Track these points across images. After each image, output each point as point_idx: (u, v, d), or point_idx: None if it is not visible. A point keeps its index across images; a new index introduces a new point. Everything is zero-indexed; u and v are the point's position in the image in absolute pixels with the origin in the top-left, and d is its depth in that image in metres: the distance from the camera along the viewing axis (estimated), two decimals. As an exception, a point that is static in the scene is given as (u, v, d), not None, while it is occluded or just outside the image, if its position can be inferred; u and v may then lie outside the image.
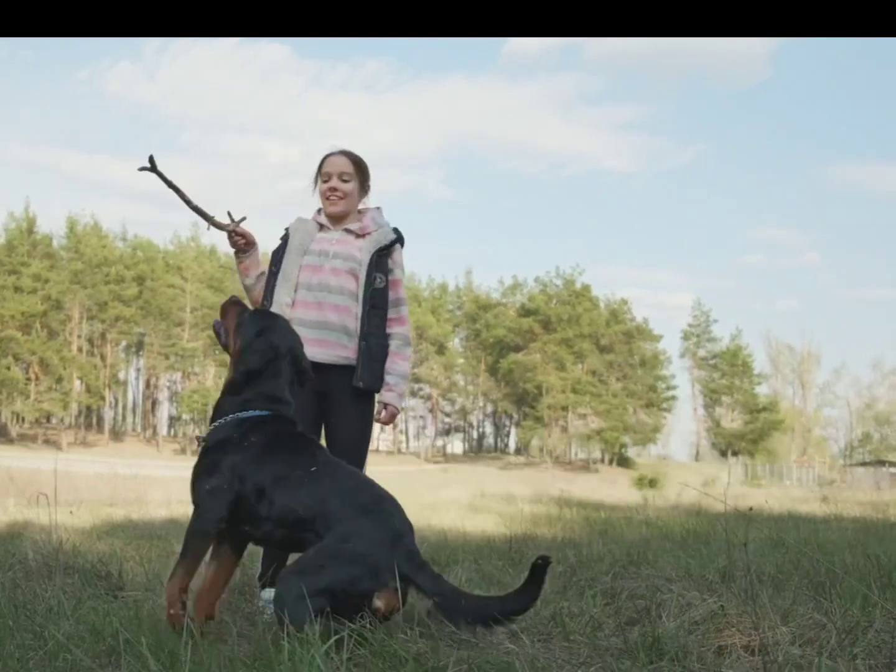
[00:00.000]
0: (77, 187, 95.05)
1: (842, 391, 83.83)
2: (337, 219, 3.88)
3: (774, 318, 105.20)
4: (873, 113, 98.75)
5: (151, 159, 3.45)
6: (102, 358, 65.59)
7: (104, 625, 2.68)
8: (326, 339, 3.68)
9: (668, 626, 2.59)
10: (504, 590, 3.44)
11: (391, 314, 3.83)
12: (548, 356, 69.33)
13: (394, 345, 3.82)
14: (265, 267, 3.88)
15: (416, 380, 73.09)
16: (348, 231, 3.86)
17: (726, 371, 74.82)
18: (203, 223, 3.65)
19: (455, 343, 76.06)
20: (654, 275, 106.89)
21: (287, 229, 3.91)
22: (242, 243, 3.76)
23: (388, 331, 3.82)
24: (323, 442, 3.68)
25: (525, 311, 71.86)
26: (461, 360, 74.60)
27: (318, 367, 3.47)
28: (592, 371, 70.38)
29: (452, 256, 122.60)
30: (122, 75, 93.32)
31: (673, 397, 74.92)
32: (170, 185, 3.48)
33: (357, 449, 3.70)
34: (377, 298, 3.77)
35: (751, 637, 2.56)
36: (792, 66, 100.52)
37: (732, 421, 74.91)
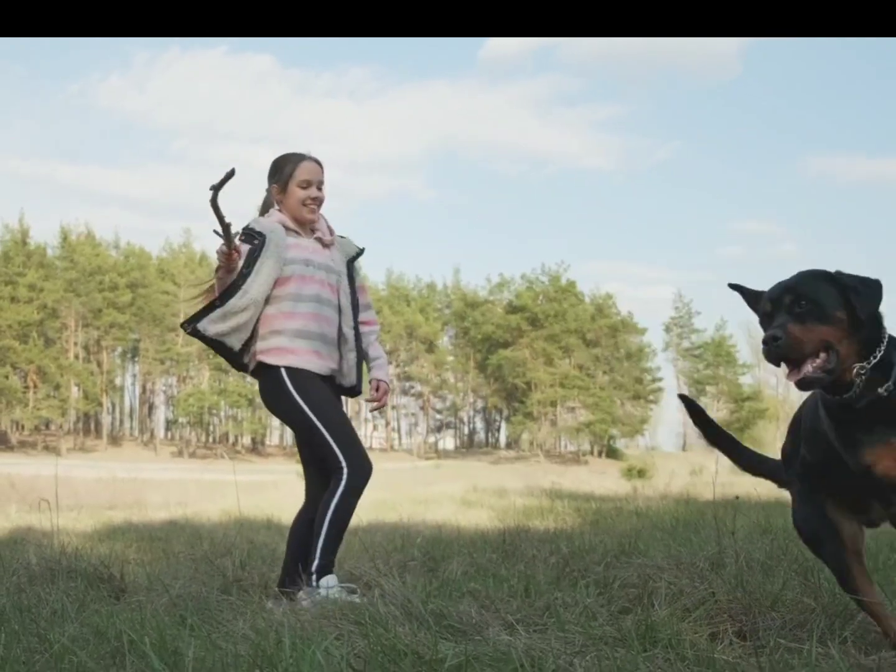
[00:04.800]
0: (70, 198, 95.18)
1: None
2: (307, 227, 3.84)
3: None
4: (842, 105, 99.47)
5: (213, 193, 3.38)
6: (99, 364, 65.54)
7: (108, 627, 2.70)
8: (320, 352, 3.73)
9: (661, 614, 2.62)
10: (499, 582, 3.48)
11: (366, 317, 3.96)
12: (536, 352, 69.46)
13: (373, 338, 3.97)
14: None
15: (407, 378, 73.13)
16: (318, 240, 3.84)
17: (710, 362, 75.18)
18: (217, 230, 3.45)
19: (444, 341, 76.08)
20: (635, 268, 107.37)
21: (258, 230, 3.70)
22: (236, 257, 3.59)
23: (365, 329, 3.94)
24: None
25: (512, 308, 71.92)
26: (451, 358, 74.62)
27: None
28: (580, 365, 70.57)
29: (439, 256, 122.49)
30: (113, 87, 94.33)
31: (659, 389, 75.21)
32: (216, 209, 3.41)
33: None
34: (356, 308, 3.87)
35: (742, 623, 2.61)
36: (761, 62, 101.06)
37: (718, 410, 75.14)
